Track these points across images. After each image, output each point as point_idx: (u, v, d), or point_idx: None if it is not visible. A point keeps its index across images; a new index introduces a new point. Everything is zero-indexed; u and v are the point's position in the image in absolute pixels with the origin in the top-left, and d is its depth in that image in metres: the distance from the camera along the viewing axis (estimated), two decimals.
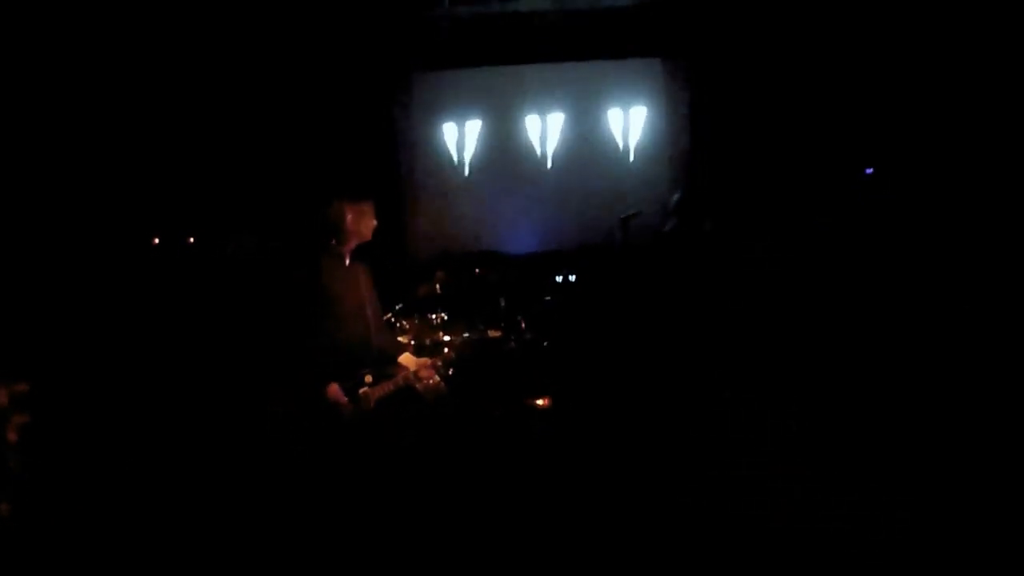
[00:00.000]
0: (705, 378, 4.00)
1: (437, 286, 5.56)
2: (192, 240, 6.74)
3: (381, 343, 3.72)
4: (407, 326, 5.40)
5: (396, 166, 7.94)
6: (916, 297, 5.14)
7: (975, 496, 3.31)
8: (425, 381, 4.39)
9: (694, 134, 7.75)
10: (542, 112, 7.95)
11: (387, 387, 3.61)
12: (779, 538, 3.17)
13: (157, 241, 6.62)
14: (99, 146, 6.39)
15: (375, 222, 3.69)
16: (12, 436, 2.68)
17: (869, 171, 6.91)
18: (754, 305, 4.23)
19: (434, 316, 5.49)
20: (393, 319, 5.35)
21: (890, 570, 2.96)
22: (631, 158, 7.95)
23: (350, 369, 3.52)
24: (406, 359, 3.77)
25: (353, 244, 3.66)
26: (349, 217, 3.59)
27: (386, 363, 3.72)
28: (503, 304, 5.95)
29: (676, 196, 4.74)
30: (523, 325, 5.79)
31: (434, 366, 3.81)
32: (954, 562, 2.95)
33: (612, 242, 7.14)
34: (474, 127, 7.97)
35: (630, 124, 7.93)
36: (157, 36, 6.59)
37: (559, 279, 7.41)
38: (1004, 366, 4.29)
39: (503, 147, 8.00)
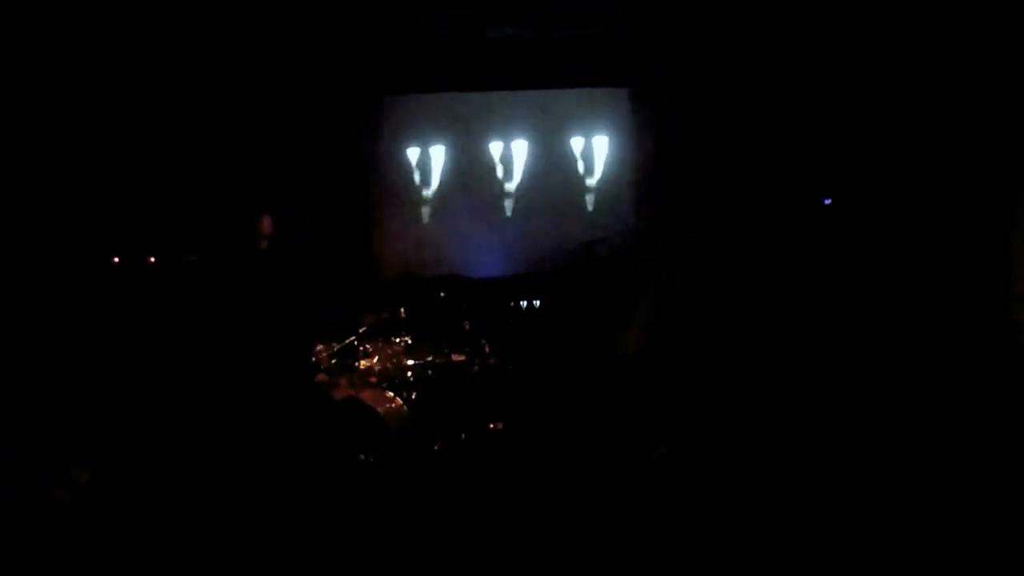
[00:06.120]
0: (689, 391, 4.00)
1: (401, 310, 5.56)
2: (152, 259, 6.62)
3: None
4: (371, 349, 5.38)
5: (363, 187, 7.94)
6: (900, 305, 5.15)
7: (974, 495, 3.33)
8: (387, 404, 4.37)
9: (658, 163, 7.88)
10: (508, 138, 8.02)
11: None
12: (779, 538, 3.18)
13: (117, 260, 6.49)
14: (64, 162, 6.28)
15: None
16: None
17: (827, 202, 7.06)
18: (736, 318, 4.25)
19: (398, 340, 5.48)
20: (356, 342, 5.32)
21: (890, 570, 2.97)
22: (595, 185, 8.06)
23: None
24: None
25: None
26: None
27: None
28: (467, 328, 5.96)
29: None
30: (487, 349, 5.81)
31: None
32: (954, 562, 2.96)
33: (576, 267, 7.23)
34: (440, 151, 8.01)
35: (595, 152, 8.03)
36: (124, 52, 6.52)
37: (523, 303, 7.47)
38: (999, 364, 4.34)
39: (469, 172, 8.03)
